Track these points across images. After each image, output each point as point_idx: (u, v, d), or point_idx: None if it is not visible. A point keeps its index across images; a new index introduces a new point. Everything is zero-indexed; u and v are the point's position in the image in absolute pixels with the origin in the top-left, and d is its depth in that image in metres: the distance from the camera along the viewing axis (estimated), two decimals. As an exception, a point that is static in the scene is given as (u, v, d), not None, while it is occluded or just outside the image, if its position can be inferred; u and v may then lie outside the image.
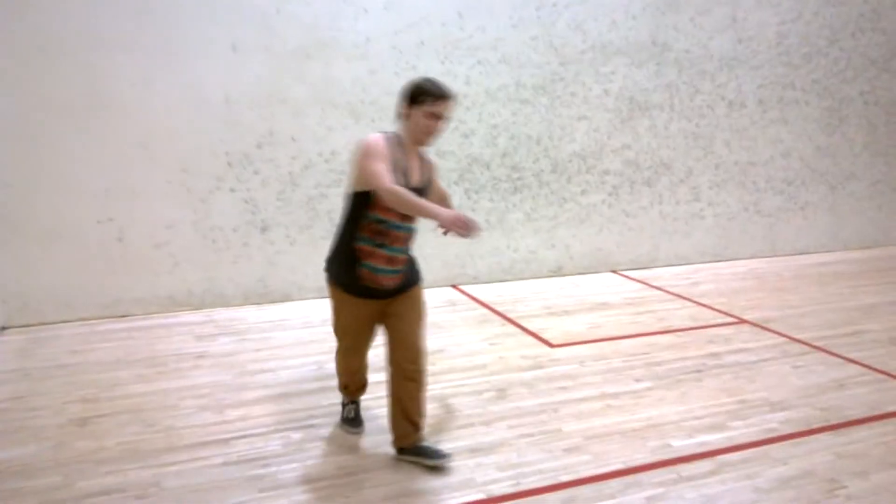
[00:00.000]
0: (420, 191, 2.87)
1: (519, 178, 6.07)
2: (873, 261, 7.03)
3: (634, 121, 6.39)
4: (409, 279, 3.03)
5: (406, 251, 2.94)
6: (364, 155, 2.73)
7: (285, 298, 5.52)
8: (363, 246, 2.84)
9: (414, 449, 3.08)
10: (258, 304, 5.43)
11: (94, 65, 4.78)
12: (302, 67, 5.27)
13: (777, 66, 6.81)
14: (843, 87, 7.14)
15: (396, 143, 2.82)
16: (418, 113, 2.75)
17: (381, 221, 2.81)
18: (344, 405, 3.47)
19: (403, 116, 2.83)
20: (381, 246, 2.83)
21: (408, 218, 2.84)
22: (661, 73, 6.38)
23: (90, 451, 3.20)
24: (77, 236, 4.94)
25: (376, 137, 2.77)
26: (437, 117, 2.76)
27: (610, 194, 6.44)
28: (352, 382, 3.34)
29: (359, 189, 2.81)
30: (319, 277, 5.58)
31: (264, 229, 5.39)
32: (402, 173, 2.79)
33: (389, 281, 2.91)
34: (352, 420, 3.41)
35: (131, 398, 3.76)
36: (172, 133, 5.04)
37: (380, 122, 5.51)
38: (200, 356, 4.36)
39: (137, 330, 4.85)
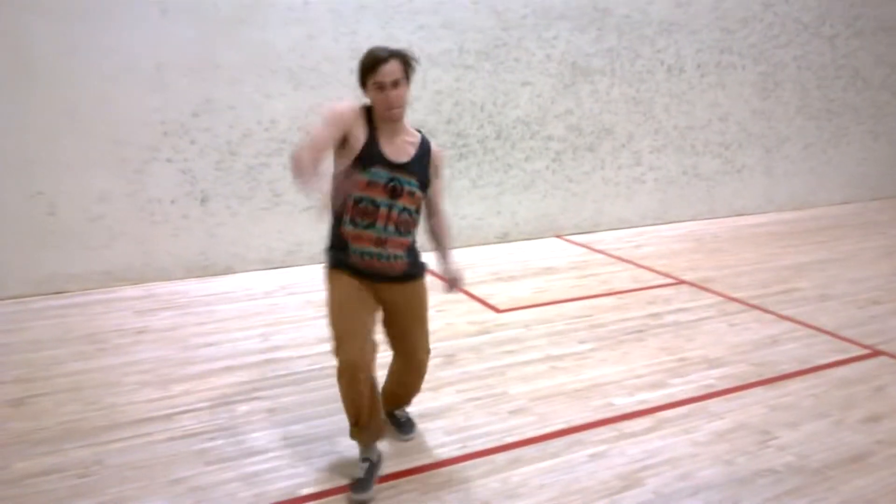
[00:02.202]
0: (402, 167, 2.61)
1: (464, 146, 6.06)
2: (804, 221, 7.30)
3: (577, 86, 6.42)
4: (408, 272, 2.74)
5: (402, 234, 2.65)
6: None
7: (227, 271, 5.42)
8: (349, 230, 2.61)
9: (392, 417, 3.12)
10: (200, 277, 5.32)
11: (16, 30, 4.53)
12: (236, 31, 5.11)
13: (714, 31, 6.92)
14: (777, 51, 7.31)
15: (367, 117, 2.59)
16: (369, 90, 2.55)
17: (361, 199, 2.57)
18: (361, 458, 2.77)
19: (370, 102, 2.61)
20: (368, 227, 2.59)
21: (397, 195, 2.59)
22: (602, 38, 6.41)
23: (27, 432, 3.11)
24: (5, 211, 4.73)
25: (337, 104, 2.56)
26: (384, 87, 2.51)
27: (553, 160, 6.48)
28: (361, 407, 2.66)
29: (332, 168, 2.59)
30: (262, 249, 5.51)
31: (204, 200, 5.26)
32: (371, 149, 2.56)
33: (381, 266, 2.65)
34: (359, 481, 2.67)
35: (70, 376, 3.66)
36: (102, 102, 4.84)
37: (320, 90, 5.41)
38: (141, 331, 4.26)
39: (74, 306, 4.70)
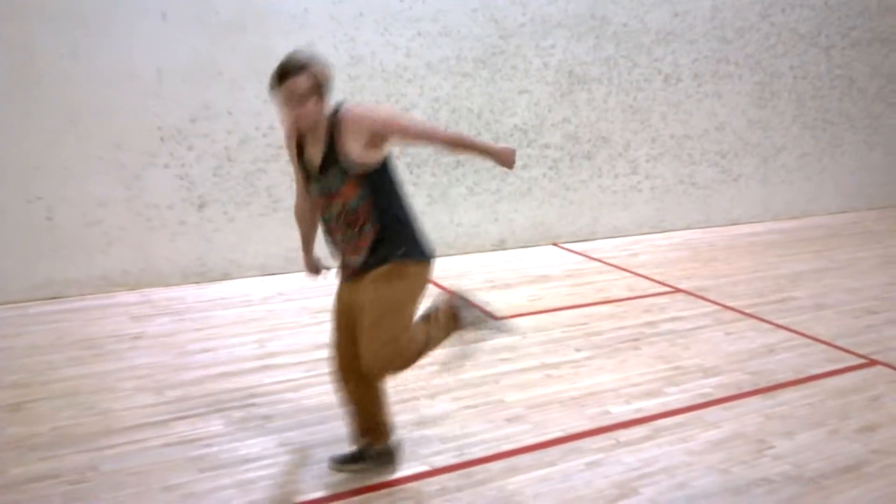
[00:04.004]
0: (319, 170, 2.48)
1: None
2: (801, 230, 7.32)
3: (574, 94, 6.45)
4: (371, 260, 2.51)
5: (356, 234, 2.49)
6: (390, 116, 2.55)
7: (224, 277, 5.42)
8: (329, 247, 2.66)
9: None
10: (197, 282, 5.32)
11: (16, 36, 4.55)
12: (237, 39, 5.12)
13: (711, 41, 6.95)
14: (774, 61, 7.34)
15: (294, 132, 2.57)
16: (280, 110, 2.48)
17: (323, 220, 2.59)
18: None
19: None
20: (332, 243, 2.61)
21: (331, 201, 2.49)
22: (599, 46, 6.44)
23: (23, 437, 3.10)
24: (3, 216, 4.73)
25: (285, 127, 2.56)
26: (287, 104, 2.39)
27: (551, 168, 6.50)
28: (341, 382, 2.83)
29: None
30: (259, 255, 5.51)
31: (201, 206, 5.26)
32: (303, 164, 2.56)
33: (346, 272, 2.62)
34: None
35: (66, 381, 3.65)
36: (101, 107, 4.85)
37: (319, 96, 5.41)
38: (137, 337, 4.26)
39: (71, 311, 4.70)
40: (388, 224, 2.50)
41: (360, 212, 2.46)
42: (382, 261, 2.50)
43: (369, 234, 2.48)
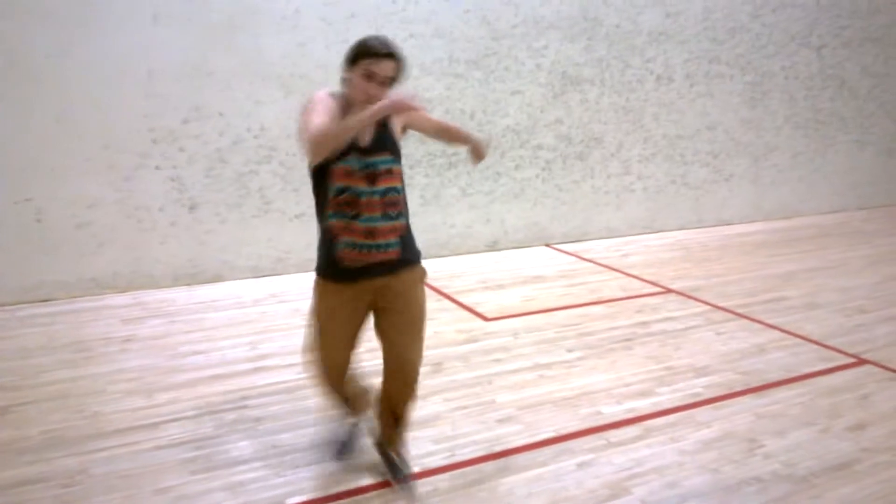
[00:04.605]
0: (371, 148, 2.46)
1: (454, 154, 6.07)
2: (792, 230, 7.35)
3: (567, 95, 6.45)
4: (403, 257, 2.54)
5: (391, 219, 2.48)
6: (302, 114, 2.39)
7: (216, 279, 5.40)
8: (335, 222, 2.45)
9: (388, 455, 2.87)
10: (188, 284, 5.30)
11: (5, 34, 4.52)
12: (228, 40, 5.11)
13: (703, 41, 6.97)
14: (765, 62, 7.37)
15: (344, 104, 2.45)
16: (356, 73, 2.39)
17: (343, 190, 2.42)
18: (346, 421, 2.97)
19: (345, 81, 2.46)
20: (354, 218, 2.43)
21: (375, 179, 2.44)
22: (592, 47, 6.45)
23: (11, 441, 3.08)
24: (-9, 218, 4.71)
25: (318, 93, 2.43)
26: (374, 78, 2.36)
27: (543, 169, 6.51)
28: (345, 395, 2.82)
29: (310, 160, 2.40)
30: (251, 257, 5.49)
31: (192, 208, 5.24)
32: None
33: (375, 257, 2.48)
34: (343, 444, 2.99)
35: (55, 384, 3.63)
36: (92, 108, 4.83)
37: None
38: (128, 339, 4.24)
39: (61, 314, 4.67)
40: (409, 224, 2.60)
41: (400, 200, 2.54)
42: (416, 259, 2.61)
43: (402, 226, 2.54)
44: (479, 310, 4.83)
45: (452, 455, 3.00)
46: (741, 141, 7.48)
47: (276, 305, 4.87)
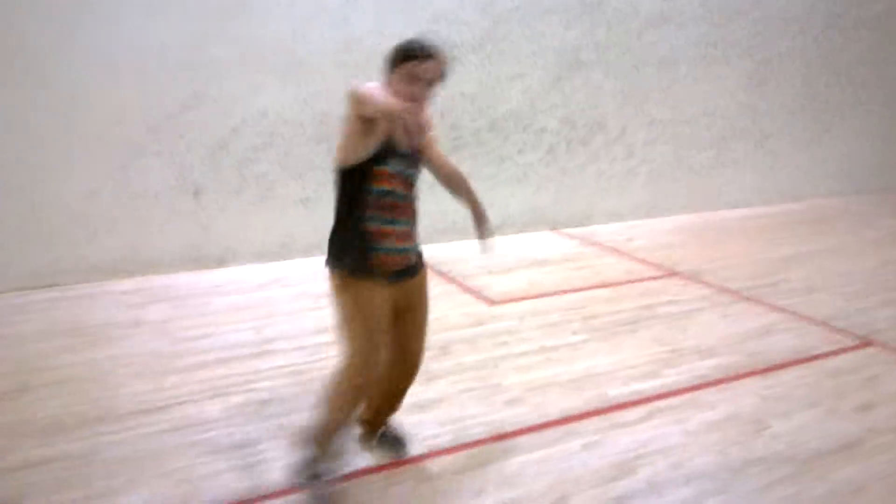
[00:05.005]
0: (410, 157, 2.48)
1: (457, 138, 6.05)
2: (793, 214, 7.33)
3: (568, 79, 6.41)
4: (420, 260, 2.62)
5: (415, 225, 2.55)
6: (353, 102, 2.26)
7: (219, 264, 5.39)
8: (374, 227, 2.41)
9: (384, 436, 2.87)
10: (192, 270, 5.30)
11: (2, 24, 4.49)
12: (225, 26, 5.07)
13: (702, 25, 6.92)
14: (765, 45, 7.32)
15: None
16: (398, 77, 2.35)
17: (387, 193, 2.40)
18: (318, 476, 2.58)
19: (388, 84, 2.38)
20: (392, 222, 2.43)
21: (411, 185, 2.49)
22: (592, 31, 6.40)
23: (17, 425, 3.09)
24: (-7, 204, 4.70)
25: (374, 89, 2.28)
26: (420, 80, 2.33)
27: (547, 153, 6.48)
28: (362, 402, 2.60)
29: (352, 160, 2.36)
30: (254, 242, 5.48)
31: (194, 194, 5.23)
32: (391, 140, 2.37)
33: (403, 261, 2.51)
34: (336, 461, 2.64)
35: (60, 370, 3.63)
36: (91, 96, 4.80)
37: (308, 84, 5.38)
38: (133, 324, 4.24)
39: (65, 300, 4.67)
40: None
41: (416, 206, 2.58)
42: (423, 264, 2.66)
43: (414, 231, 2.58)
44: (484, 294, 4.83)
45: (458, 437, 3.00)
46: (741, 126, 7.44)
47: (280, 290, 4.87)
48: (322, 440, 2.52)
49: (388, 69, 2.39)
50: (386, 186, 2.40)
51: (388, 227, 2.43)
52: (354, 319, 2.45)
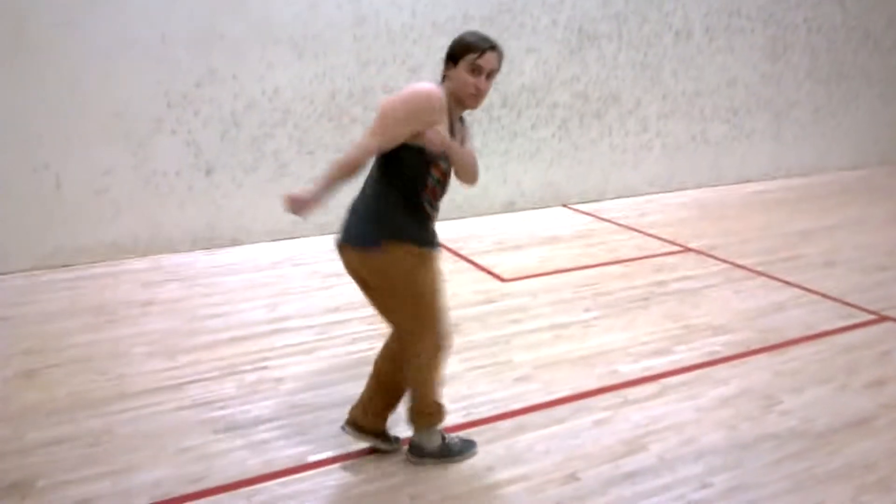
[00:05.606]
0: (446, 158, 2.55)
1: (469, 114, 5.99)
2: (812, 187, 7.24)
3: (583, 52, 6.34)
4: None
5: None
6: (403, 101, 2.39)
7: (234, 242, 5.43)
8: (426, 206, 2.53)
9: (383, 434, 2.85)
10: (206, 248, 5.34)
11: (15, 2, 4.50)
12: (238, 1, 5.05)
13: (723, -6, 6.80)
14: (787, 14, 7.18)
15: (449, 101, 2.48)
16: (461, 69, 2.41)
17: (438, 181, 2.53)
18: (444, 438, 2.75)
19: (447, 79, 2.47)
20: (434, 207, 2.57)
21: (444, 176, 2.57)
22: (608, 2, 6.31)
23: (39, 402, 3.15)
24: (12, 186, 4.75)
25: (430, 94, 2.39)
26: (480, 72, 2.40)
27: (560, 128, 6.43)
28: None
29: (386, 148, 2.41)
30: (268, 220, 5.51)
31: (209, 172, 5.25)
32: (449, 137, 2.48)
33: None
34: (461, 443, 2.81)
35: (79, 348, 3.70)
36: (106, 74, 4.82)
37: (323, 58, 5.36)
38: (149, 303, 4.30)
39: (82, 279, 4.74)
40: None
41: None
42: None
43: None
44: (495, 271, 4.83)
45: (469, 413, 3.03)
46: (762, 96, 7.33)
47: (294, 268, 4.90)
48: (432, 412, 2.68)
49: (449, 63, 2.47)
50: (438, 175, 2.54)
51: (433, 212, 2.59)
52: (426, 290, 2.54)
